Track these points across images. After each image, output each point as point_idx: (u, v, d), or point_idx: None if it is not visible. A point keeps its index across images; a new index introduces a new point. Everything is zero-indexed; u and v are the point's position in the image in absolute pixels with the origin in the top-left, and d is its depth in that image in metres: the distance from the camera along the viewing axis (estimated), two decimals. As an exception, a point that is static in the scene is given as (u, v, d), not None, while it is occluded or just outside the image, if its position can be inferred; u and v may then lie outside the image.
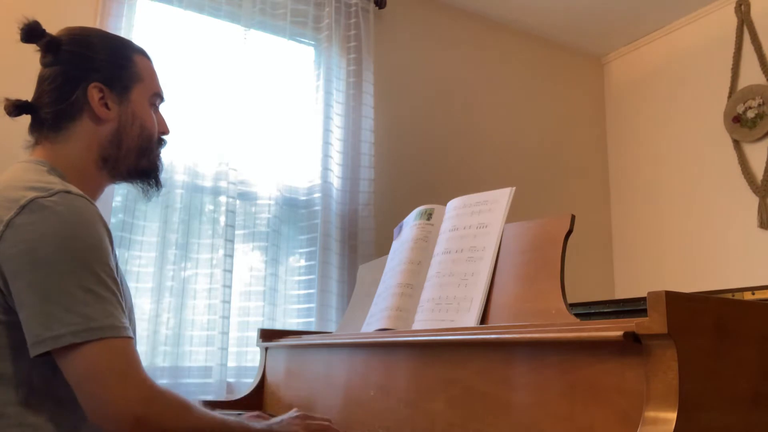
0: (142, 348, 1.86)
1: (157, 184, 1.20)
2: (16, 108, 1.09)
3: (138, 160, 1.14)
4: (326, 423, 1.13)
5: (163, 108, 1.23)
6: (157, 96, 1.19)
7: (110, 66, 1.11)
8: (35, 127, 1.09)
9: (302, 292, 2.27)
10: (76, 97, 1.07)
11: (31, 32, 1.08)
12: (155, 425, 0.89)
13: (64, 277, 0.89)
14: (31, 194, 0.92)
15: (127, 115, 1.12)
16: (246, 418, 1.18)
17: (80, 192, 0.97)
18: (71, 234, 0.91)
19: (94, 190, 1.11)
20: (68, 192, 0.94)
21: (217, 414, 0.99)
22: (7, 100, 1.09)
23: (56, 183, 0.96)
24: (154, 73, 1.19)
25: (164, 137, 1.22)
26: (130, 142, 1.12)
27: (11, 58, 1.90)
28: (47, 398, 0.94)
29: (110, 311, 0.91)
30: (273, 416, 1.17)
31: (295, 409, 1.16)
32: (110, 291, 0.92)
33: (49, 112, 1.07)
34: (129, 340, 0.92)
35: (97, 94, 1.08)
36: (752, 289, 1.41)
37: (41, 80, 1.09)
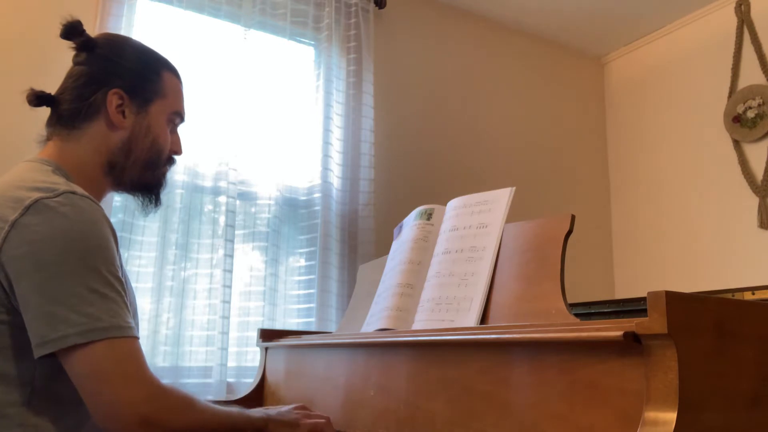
0: (142, 348, 1.86)
1: (157, 200, 1.20)
2: (36, 98, 1.10)
3: (143, 172, 1.15)
4: (324, 419, 1.14)
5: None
6: (177, 115, 1.20)
7: (135, 76, 1.12)
8: (51, 122, 1.10)
9: (302, 292, 2.27)
10: (95, 99, 1.08)
11: (71, 30, 1.10)
12: (161, 424, 0.90)
13: (69, 278, 0.89)
14: (36, 195, 0.92)
15: (142, 126, 1.12)
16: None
17: (85, 192, 0.97)
18: (76, 234, 0.91)
19: (96, 194, 1.11)
20: (73, 192, 0.94)
21: (220, 407, 1.00)
22: (32, 89, 1.11)
23: (61, 183, 0.96)
24: (179, 93, 1.20)
25: (175, 156, 1.22)
26: (138, 153, 1.13)
27: (14, 57, 1.91)
28: (49, 399, 0.94)
29: (115, 311, 0.91)
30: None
31: (294, 404, 1.17)
32: (115, 291, 0.92)
33: (66, 109, 1.08)
34: (134, 340, 0.92)
35: (116, 101, 1.09)
36: (752, 289, 1.41)
37: (68, 77, 1.11)
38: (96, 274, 0.91)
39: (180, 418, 0.92)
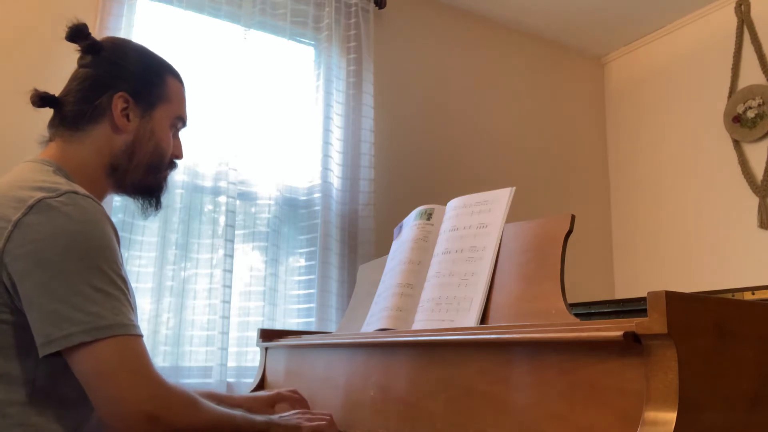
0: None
1: (158, 204, 1.21)
2: (41, 99, 1.11)
3: (145, 176, 1.16)
4: (327, 417, 1.14)
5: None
6: (180, 120, 1.21)
7: (141, 80, 1.13)
8: (54, 123, 1.11)
9: (302, 292, 2.27)
10: (100, 102, 1.09)
11: (77, 33, 1.10)
12: (165, 422, 0.90)
13: (73, 277, 0.89)
14: (39, 194, 0.93)
15: (146, 130, 1.13)
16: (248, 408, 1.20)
17: (87, 192, 0.97)
18: (79, 234, 0.91)
19: (97, 196, 1.11)
20: (75, 192, 0.95)
21: (224, 408, 1.01)
22: (35, 90, 1.11)
23: (63, 183, 0.97)
24: (182, 98, 1.21)
25: (176, 161, 1.23)
26: (141, 157, 1.13)
27: (14, 57, 1.91)
28: (50, 398, 0.94)
29: (119, 309, 0.91)
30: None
31: (295, 410, 1.18)
32: (119, 289, 0.93)
33: (71, 111, 1.09)
34: (139, 338, 0.93)
35: (121, 104, 1.10)
36: (752, 289, 1.41)
37: (72, 79, 1.12)
38: (99, 273, 0.91)
39: (184, 417, 0.93)
